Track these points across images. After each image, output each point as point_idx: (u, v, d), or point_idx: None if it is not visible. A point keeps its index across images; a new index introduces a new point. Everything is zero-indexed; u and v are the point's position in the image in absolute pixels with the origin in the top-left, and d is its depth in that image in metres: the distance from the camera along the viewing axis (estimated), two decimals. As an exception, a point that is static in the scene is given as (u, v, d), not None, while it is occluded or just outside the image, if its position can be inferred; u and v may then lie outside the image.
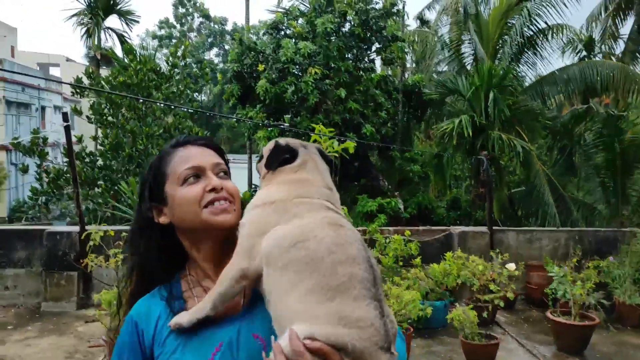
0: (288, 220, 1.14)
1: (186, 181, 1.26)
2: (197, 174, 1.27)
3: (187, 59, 15.38)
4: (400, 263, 6.49)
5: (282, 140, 1.30)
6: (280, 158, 1.26)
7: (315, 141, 5.46)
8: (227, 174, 1.33)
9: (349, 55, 14.18)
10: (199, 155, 1.31)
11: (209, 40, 40.52)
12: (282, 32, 14.54)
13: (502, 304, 5.78)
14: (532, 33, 14.26)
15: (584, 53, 15.96)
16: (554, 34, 14.32)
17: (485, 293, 6.23)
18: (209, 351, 1.19)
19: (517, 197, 14.42)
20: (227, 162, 1.39)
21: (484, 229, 7.96)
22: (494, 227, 7.97)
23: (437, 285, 6.50)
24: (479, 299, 6.24)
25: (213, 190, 1.25)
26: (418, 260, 6.49)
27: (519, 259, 7.18)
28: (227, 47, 38.80)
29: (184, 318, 1.21)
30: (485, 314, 5.72)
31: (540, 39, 14.37)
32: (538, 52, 14.70)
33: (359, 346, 0.99)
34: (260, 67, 13.39)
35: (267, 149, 1.31)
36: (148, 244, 1.32)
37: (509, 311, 7.13)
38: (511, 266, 6.02)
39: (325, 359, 0.98)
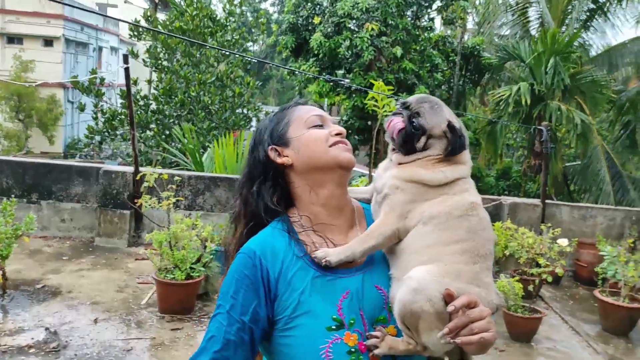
0: (456, 194, 1.33)
1: (314, 125, 1.40)
2: (321, 123, 1.42)
3: (243, 7, 15.24)
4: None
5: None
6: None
7: (373, 99, 5.36)
8: None
9: (408, 13, 13.76)
10: (321, 110, 1.48)
11: (265, -11, 40.02)
12: (341, -16, 14.18)
13: (550, 279, 5.65)
14: (604, -1, 13.47)
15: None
16: (629, 1, 13.46)
17: (532, 266, 6.10)
18: (336, 297, 1.26)
19: (571, 171, 13.95)
20: None
21: (536, 201, 7.73)
22: (547, 201, 7.72)
23: (482, 255, 6.40)
24: (525, 272, 6.12)
25: (338, 134, 1.39)
26: (465, 227, 6.37)
27: (570, 235, 6.96)
28: (282, -3, 38.26)
29: (332, 256, 1.26)
30: (530, 288, 5.61)
31: (614, 5, 13.56)
32: (609, 20, 13.90)
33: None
34: (316, 20, 13.17)
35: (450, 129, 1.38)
36: (259, 187, 1.39)
37: (555, 287, 6.98)
38: (563, 241, 5.83)
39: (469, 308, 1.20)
